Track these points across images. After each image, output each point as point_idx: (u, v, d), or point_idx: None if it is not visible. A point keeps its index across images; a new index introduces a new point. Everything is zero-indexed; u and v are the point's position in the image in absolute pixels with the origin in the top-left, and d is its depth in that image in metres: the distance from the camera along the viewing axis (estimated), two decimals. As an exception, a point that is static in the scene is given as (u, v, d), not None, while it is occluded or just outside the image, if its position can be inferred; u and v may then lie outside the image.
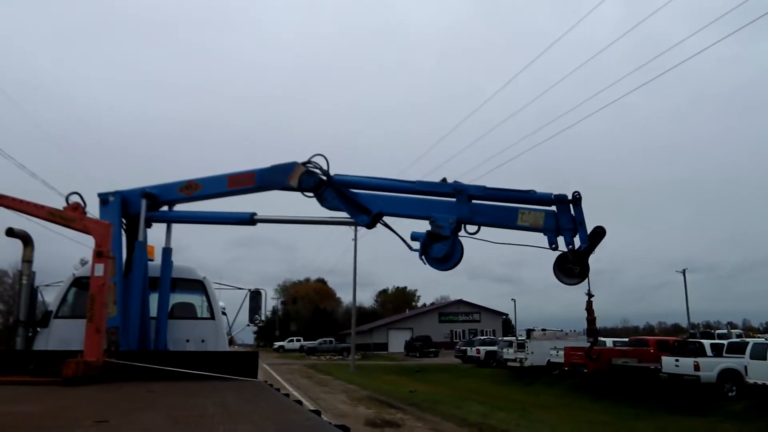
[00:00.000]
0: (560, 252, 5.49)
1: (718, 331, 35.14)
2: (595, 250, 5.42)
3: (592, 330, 6.09)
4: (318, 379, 31.57)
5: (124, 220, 6.27)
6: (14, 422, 2.56)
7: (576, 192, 5.45)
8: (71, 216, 5.20)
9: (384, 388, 24.99)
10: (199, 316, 7.65)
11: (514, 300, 74.73)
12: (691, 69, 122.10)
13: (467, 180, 6.04)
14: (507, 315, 74.53)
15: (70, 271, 7.41)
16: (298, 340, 73.12)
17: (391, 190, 6.11)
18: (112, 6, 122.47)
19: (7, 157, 16.82)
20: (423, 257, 5.80)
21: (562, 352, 26.93)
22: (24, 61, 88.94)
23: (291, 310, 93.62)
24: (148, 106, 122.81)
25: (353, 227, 32.46)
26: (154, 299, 6.59)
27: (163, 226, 6.71)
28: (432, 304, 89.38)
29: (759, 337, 26.22)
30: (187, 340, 7.00)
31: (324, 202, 6.12)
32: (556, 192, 5.53)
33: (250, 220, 6.47)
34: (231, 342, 8.98)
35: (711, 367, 19.40)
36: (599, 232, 5.42)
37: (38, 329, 6.64)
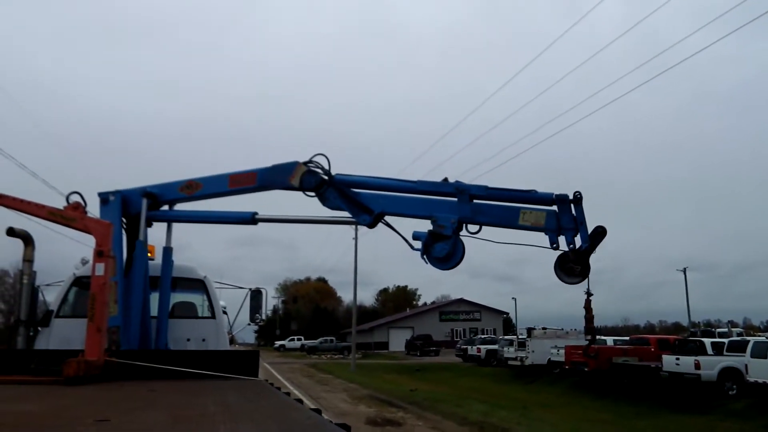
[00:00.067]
0: (561, 251, 5.51)
1: (718, 330, 35.04)
2: (596, 249, 5.44)
3: (590, 328, 6.19)
4: (319, 378, 31.59)
5: (124, 220, 6.27)
6: (15, 421, 2.56)
7: (577, 192, 5.48)
8: (72, 215, 5.21)
9: (385, 387, 25.00)
10: (199, 315, 7.64)
11: (514, 299, 75.34)
12: (692, 67, 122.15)
13: (468, 179, 6.06)
14: (508, 314, 74.77)
15: (71, 271, 7.40)
16: (299, 339, 73.11)
17: (392, 190, 6.12)
18: (112, 6, 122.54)
19: (7, 157, 16.81)
20: (425, 257, 5.81)
21: (562, 351, 27.00)
22: (24, 61, 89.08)
23: (292, 309, 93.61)
24: (148, 106, 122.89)
25: (353, 226, 32.46)
26: (154, 298, 6.59)
27: (164, 225, 6.71)
28: (433, 302, 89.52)
29: (759, 336, 26.20)
30: (188, 340, 7.00)
31: (326, 202, 6.11)
32: (557, 191, 5.55)
33: (251, 219, 6.46)
34: (232, 341, 8.99)
35: (712, 365, 19.44)
36: (600, 232, 5.45)
37: (39, 329, 6.64)
